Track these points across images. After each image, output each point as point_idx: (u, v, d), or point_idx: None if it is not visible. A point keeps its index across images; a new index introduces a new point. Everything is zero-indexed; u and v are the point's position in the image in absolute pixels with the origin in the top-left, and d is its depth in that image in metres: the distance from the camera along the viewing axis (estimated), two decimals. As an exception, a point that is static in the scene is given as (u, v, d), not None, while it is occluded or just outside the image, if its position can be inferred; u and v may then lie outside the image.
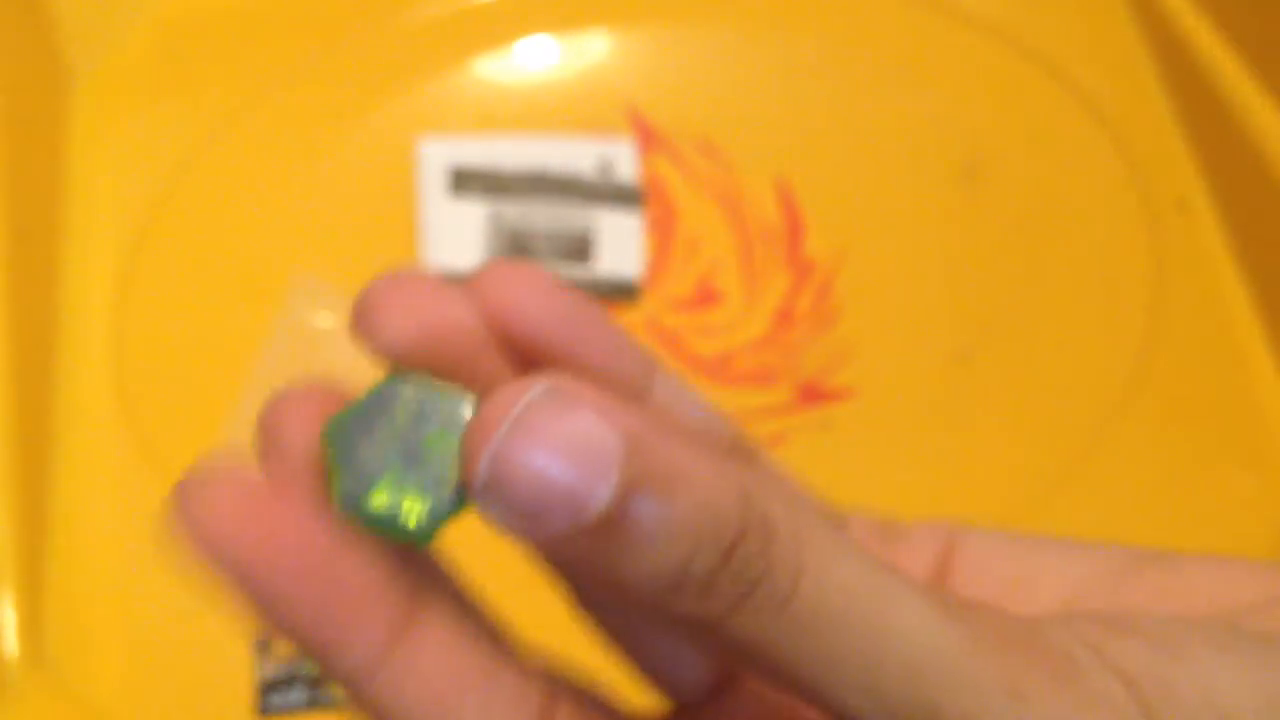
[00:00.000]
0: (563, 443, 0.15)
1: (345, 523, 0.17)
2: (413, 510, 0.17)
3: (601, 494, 0.15)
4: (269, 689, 0.44)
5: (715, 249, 0.53)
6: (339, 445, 0.17)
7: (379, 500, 0.17)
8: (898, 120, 0.56)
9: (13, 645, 0.42)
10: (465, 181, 0.54)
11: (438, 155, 0.54)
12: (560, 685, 0.18)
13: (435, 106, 0.55)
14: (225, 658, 0.44)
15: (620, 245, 0.53)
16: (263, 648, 0.45)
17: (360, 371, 0.20)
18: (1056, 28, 0.58)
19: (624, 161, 0.54)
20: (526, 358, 0.19)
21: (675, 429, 0.17)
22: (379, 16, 0.57)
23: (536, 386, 0.15)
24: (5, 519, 0.43)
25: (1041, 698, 0.16)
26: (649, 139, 0.55)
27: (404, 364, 0.18)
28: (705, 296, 0.52)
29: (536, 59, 0.56)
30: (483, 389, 0.17)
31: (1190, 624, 0.18)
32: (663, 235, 0.54)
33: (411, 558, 0.18)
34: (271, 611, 0.17)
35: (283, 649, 0.45)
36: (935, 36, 0.58)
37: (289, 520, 0.17)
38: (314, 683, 0.44)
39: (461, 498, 0.17)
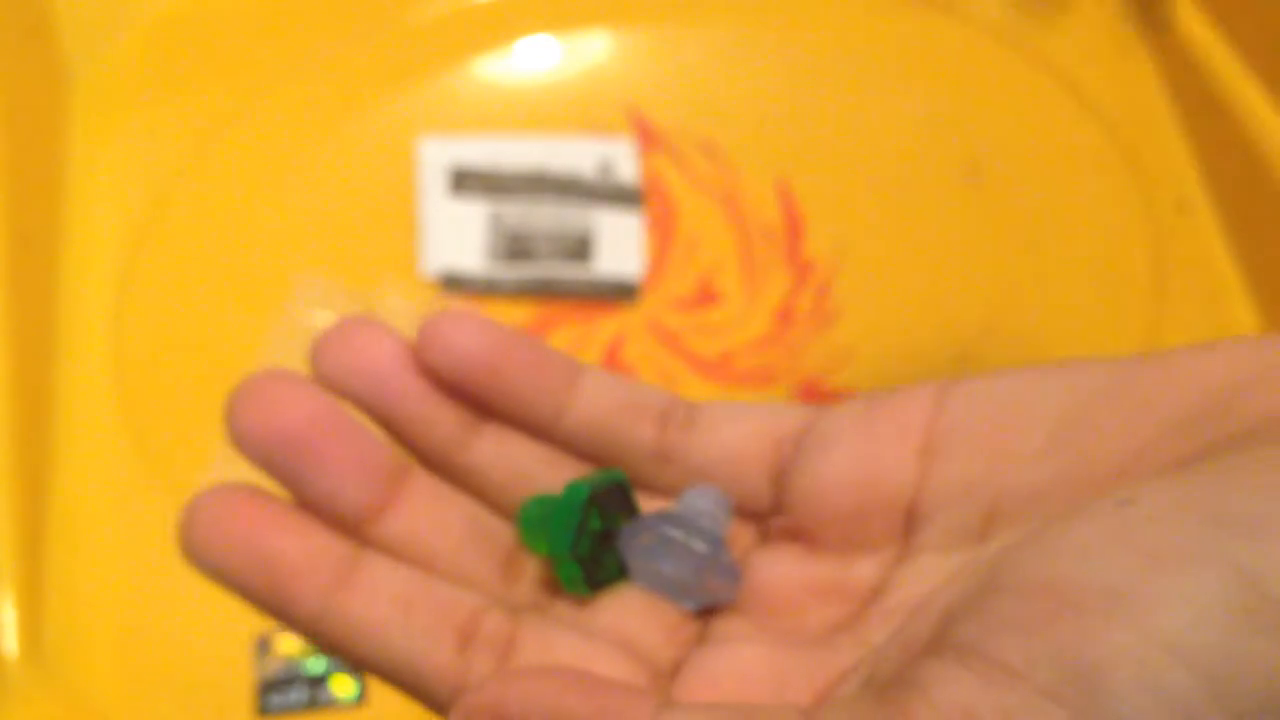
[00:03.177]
0: None
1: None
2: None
3: None
4: (269, 689, 0.44)
5: (715, 249, 0.53)
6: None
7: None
8: (898, 121, 0.56)
9: (13, 645, 0.42)
10: (465, 181, 0.54)
11: (438, 155, 0.54)
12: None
13: (435, 106, 0.55)
14: (225, 658, 0.44)
15: (620, 245, 0.53)
16: (263, 648, 0.45)
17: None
18: (1057, 29, 0.58)
19: (624, 161, 0.54)
20: (453, 387, 0.23)
21: None
22: (379, 16, 0.57)
23: None
24: (5, 519, 0.43)
25: None
26: (649, 139, 0.55)
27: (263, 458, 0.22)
28: (705, 296, 0.52)
29: (536, 59, 0.56)
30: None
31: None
32: (663, 235, 0.54)
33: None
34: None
35: (283, 649, 0.45)
36: (936, 37, 0.58)
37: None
38: (314, 683, 0.44)
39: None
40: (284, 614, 0.21)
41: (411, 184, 0.53)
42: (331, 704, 0.44)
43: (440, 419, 0.24)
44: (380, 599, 0.22)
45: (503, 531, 0.24)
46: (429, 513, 0.23)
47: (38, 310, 0.48)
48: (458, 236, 0.53)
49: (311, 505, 0.22)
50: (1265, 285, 0.53)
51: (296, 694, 0.44)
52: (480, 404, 0.24)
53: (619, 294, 0.52)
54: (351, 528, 0.22)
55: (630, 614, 0.24)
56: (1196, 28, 0.55)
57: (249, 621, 0.44)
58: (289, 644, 0.45)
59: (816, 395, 0.51)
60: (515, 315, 0.52)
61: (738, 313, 0.52)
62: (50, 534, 0.45)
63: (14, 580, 0.42)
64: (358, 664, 0.22)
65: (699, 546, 0.23)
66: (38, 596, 0.43)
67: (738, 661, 0.22)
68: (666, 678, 0.22)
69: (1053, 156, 0.56)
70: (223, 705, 0.44)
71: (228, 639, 0.45)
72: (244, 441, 0.22)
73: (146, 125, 0.54)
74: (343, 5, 0.57)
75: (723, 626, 0.24)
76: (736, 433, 0.24)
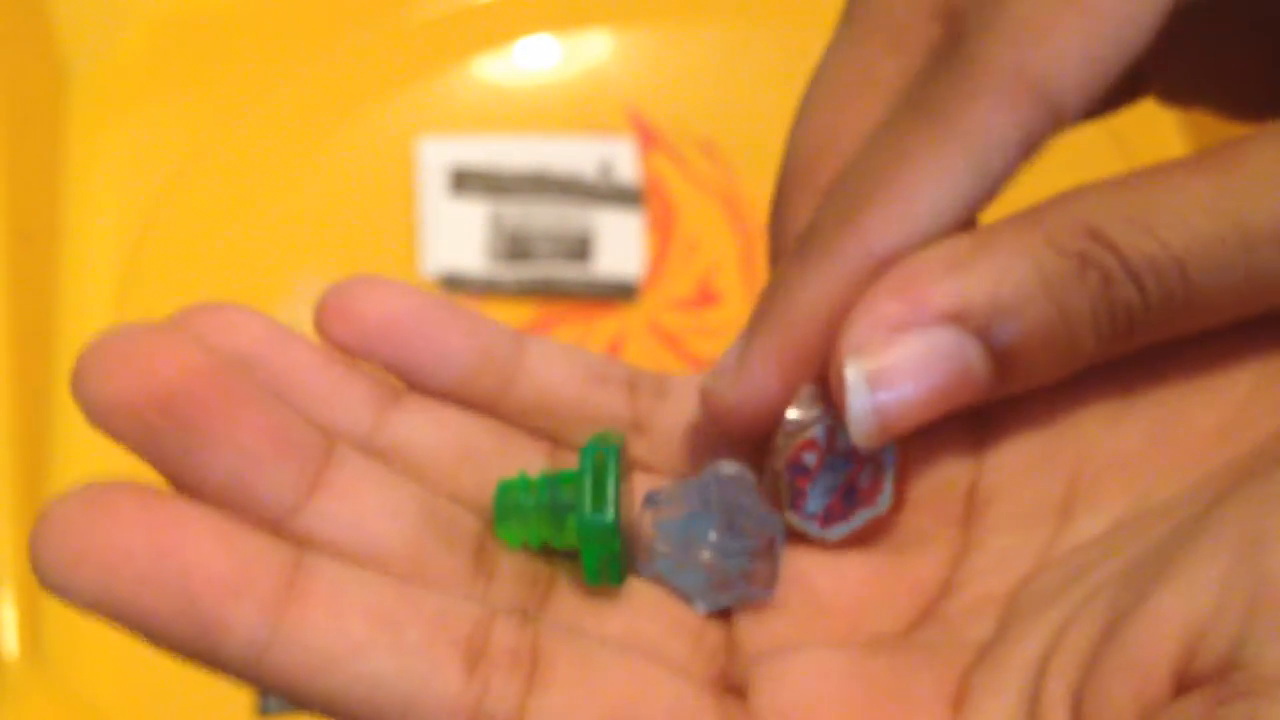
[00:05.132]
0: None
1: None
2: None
3: None
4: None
5: (715, 249, 0.53)
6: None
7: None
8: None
9: (13, 645, 0.42)
10: (465, 181, 0.54)
11: (438, 155, 0.54)
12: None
13: (435, 106, 0.55)
14: (225, 658, 0.44)
15: (620, 245, 0.53)
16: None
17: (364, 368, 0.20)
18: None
19: (624, 161, 0.54)
20: (385, 361, 0.20)
21: None
22: (379, 16, 0.57)
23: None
24: (5, 519, 0.43)
25: None
26: (649, 139, 0.55)
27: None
28: (705, 296, 0.52)
29: (536, 59, 0.56)
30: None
31: None
32: (663, 235, 0.54)
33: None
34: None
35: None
36: (935, 37, 0.58)
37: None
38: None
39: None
40: (212, 650, 0.16)
41: (411, 184, 0.53)
42: (331, 704, 0.44)
43: (349, 394, 0.19)
44: (349, 614, 0.16)
45: (462, 518, 0.20)
46: (370, 498, 0.18)
47: (38, 309, 0.48)
48: (458, 237, 0.53)
49: (211, 497, 0.17)
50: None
51: (296, 694, 0.44)
52: (403, 376, 0.20)
53: (619, 294, 0.52)
54: (270, 524, 0.17)
55: (644, 618, 0.20)
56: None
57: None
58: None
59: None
60: (515, 315, 0.52)
61: (738, 313, 0.52)
62: (50, 534, 0.45)
63: (14, 580, 0.42)
64: (325, 708, 0.17)
65: (751, 528, 0.19)
66: (38, 596, 0.43)
67: (822, 675, 0.18)
68: (729, 700, 0.19)
69: (1052, 156, 0.56)
70: (223, 705, 0.44)
71: (228, 639, 0.45)
72: (106, 415, 0.16)
73: (146, 125, 0.54)
74: (343, 5, 0.57)
75: (759, 633, 0.20)
76: None
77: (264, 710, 0.44)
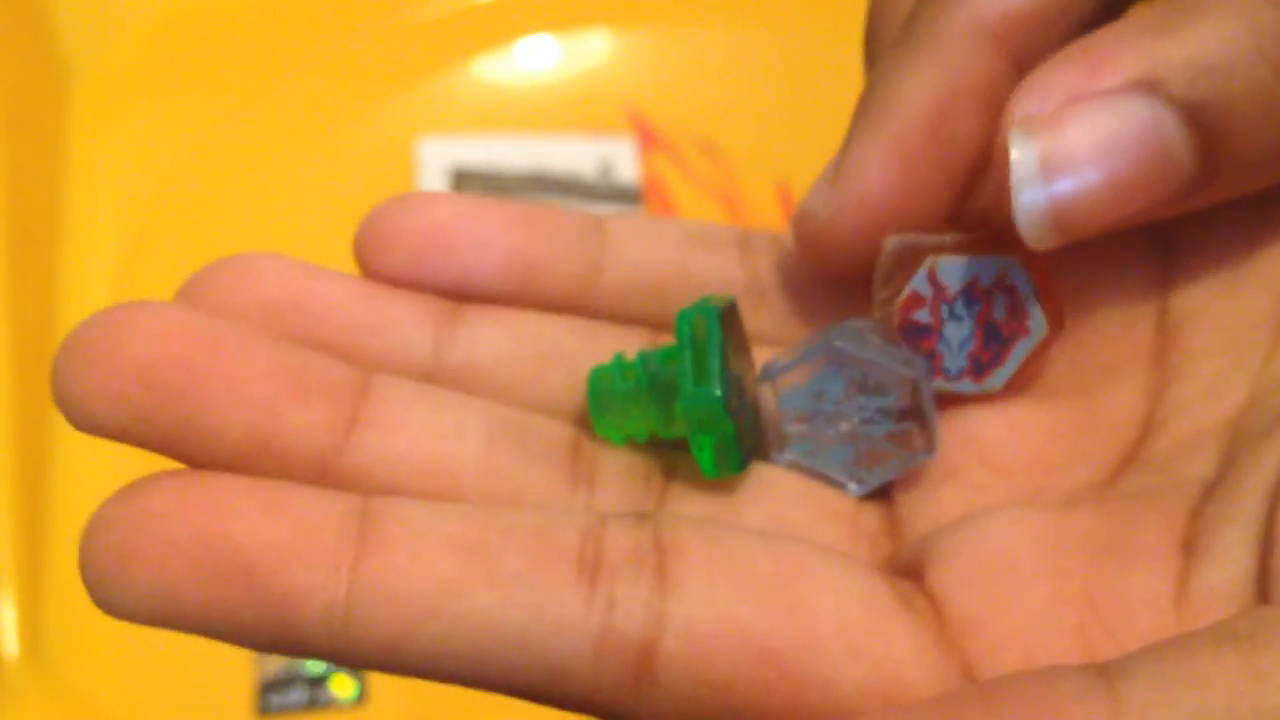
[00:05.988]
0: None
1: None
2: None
3: None
4: (269, 689, 0.44)
5: (715, 249, 0.53)
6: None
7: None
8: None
9: (13, 645, 0.42)
10: (465, 181, 0.54)
11: (438, 155, 0.54)
12: None
13: (435, 106, 0.55)
14: (225, 658, 0.44)
15: (620, 245, 0.53)
16: (263, 648, 0.45)
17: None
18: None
19: (624, 161, 0.54)
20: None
21: None
22: (379, 16, 0.57)
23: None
24: (5, 519, 0.43)
25: None
26: (649, 139, 0.55)
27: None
28: (705, 296, 0.52)
29: (536, 59, 0.56)
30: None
31: None
32: (663, 235, 0.54)
33: None
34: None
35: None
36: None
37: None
38: (314, 683, 0.44)
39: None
40: (290, 628, 0.14)
41: (411, 184, 0.53)
42: (331, 704, 0.44)
43: (400, 320, 0.17)
44: (433, 552, 0.14)
45: (547, 426, 0.17)
46: (423, 424, 0.16)
47: (38, 309, 0.48)
48: (458, 236, 0.53)
49: (241, 465, 0.15)
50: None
51: (296, 694, 0.44)
52: (465, 291, 0.18)
53: (619, 294, 0.52)
54: (317, 476, 0.15)
55: (787, 506, 0.17)
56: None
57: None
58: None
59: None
60: (515, 315, 0.52)
61: (738, 313, 0.52)
62: (50, 534, 0.45)
63: (14, 580, 0.42)
64: (434, 667, 0.14)
65: (889, 380, 0.16)
66: (38, 596, 0.43)
67: (1015, 534, 0.15)
68: (907, 586, 0.15)
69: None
70: (223, 705, 0.44)
71: (228, 639, 0.45)
72: (90, 414, 0.15)
73: (146, 125, 0.54)
74: (343, 5, 0.57)
75: (928, 508, 0.16)
76: None
77: (264, 710, 0.44)
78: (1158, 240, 0.17)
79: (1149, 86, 0.15)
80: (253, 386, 0.15)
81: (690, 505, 0.16)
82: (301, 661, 0.44)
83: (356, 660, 0.14)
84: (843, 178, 0.16)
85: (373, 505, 0.15)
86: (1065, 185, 0.15)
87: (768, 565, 0.14)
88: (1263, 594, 0.14)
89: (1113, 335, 0.17)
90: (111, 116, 0.54)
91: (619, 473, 0.17)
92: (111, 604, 0.14)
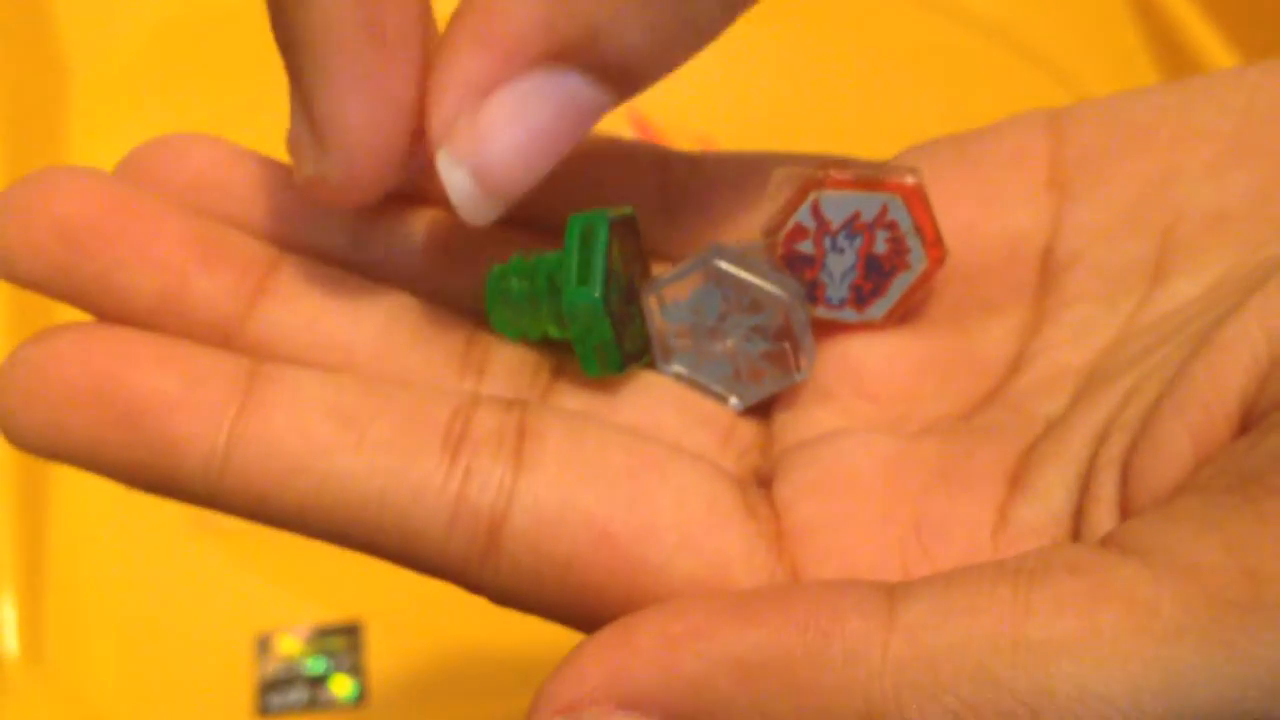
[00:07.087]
0: None
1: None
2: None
3: None
4: (269, 689, 0.44)
5: (715, 249, 0.53)
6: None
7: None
8: (898, 120, 0.56)
9: (13, 644, 0.42)
10: (465, 181, 0.54)
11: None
12: None
13: (435, 106, 0.55)
14: (225, 658, 0.44)
15: (620, 245, 0.53)
16: (263, 647, 0.45)
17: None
18: (1058, 29, 0.58)
19: (624, 161, 0.54)
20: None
21: None
22: (379, 16, 0.57)
23: None
24: (5, 519, 0.43)
25: None
26: (647, 136, 0.55)
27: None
28: (705, 296, 0.52)
29: (536, 59, 0.56)
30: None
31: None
32: (663, 235, 0.54)
33: None
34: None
35: (283, 649, 0.45)
36: (937, 37, 0.58)
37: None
38: (314, 683, 0.44)
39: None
40: (171, 472, 0.15)
41: (411, 184, 0.53)
42: (331, 704, 0.44)
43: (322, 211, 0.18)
44: (311, 415, 0.15)
45: (445, 316, 0.18)
46: (326, 302, 0.17)
47: (38, 309, 0.48)
48: (458, 236, 0.53)
49: (146, 322, 0.16)
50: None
51: (296, 694, 0.44)
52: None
53: (619, 294, 0.52)
54: (219, 339, 0.16)
55: (663, 409, 0.17)
56: (1199, 32, 0.55)
57: (249, 621, 0.44)
58: (289, 644, 0.45)
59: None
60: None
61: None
62: (50, 534, 0.45)
63: (14, 580, 0.42)
64: (299, 520, 0.15)
65: (766, 300, 0.16)
66: (38, 596, 0.43)
67: (857, 456, 0.16)
68: (755, 494, 0.16)
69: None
70: (223, 705, 0.44)
71: (228, 639, 0.45)
72: (11, 263, 0.16)
73: (146, 125, 0.54)
74: (343, 5, 0.57)
75: (798, 425, 0.17)
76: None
77: (264, 710, 0.44)
78: (1050, 183, 0.18)
79: (553, 58, 0.15)
80: (163, 250, 0.16)
81: (571, 401, 0.17)
82: (302, 661, 0.44)
83: (230, 508, 0.15)
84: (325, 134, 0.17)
85: (263, 368, 0.16)
86: (482, 158, 0.16)
87: (620, 458, 0.16)
88: (1075, 532, 0.15)
89: (996, 274, 0.18)
90: (111, 116, 0.54)
91: (508, 365, 0.18)
92: (16, 437, 0.16)
